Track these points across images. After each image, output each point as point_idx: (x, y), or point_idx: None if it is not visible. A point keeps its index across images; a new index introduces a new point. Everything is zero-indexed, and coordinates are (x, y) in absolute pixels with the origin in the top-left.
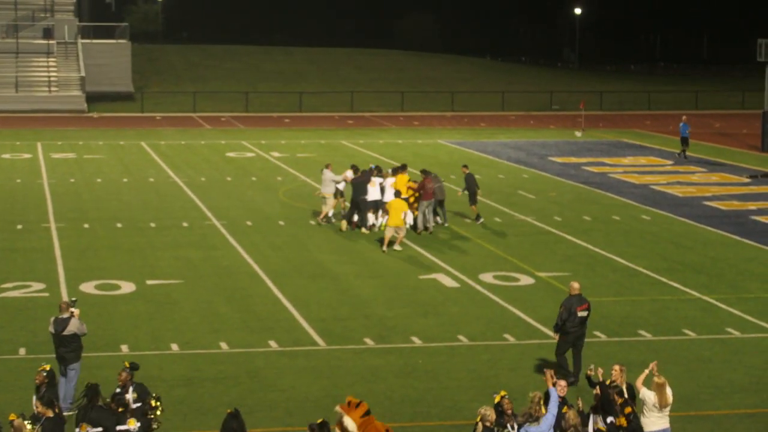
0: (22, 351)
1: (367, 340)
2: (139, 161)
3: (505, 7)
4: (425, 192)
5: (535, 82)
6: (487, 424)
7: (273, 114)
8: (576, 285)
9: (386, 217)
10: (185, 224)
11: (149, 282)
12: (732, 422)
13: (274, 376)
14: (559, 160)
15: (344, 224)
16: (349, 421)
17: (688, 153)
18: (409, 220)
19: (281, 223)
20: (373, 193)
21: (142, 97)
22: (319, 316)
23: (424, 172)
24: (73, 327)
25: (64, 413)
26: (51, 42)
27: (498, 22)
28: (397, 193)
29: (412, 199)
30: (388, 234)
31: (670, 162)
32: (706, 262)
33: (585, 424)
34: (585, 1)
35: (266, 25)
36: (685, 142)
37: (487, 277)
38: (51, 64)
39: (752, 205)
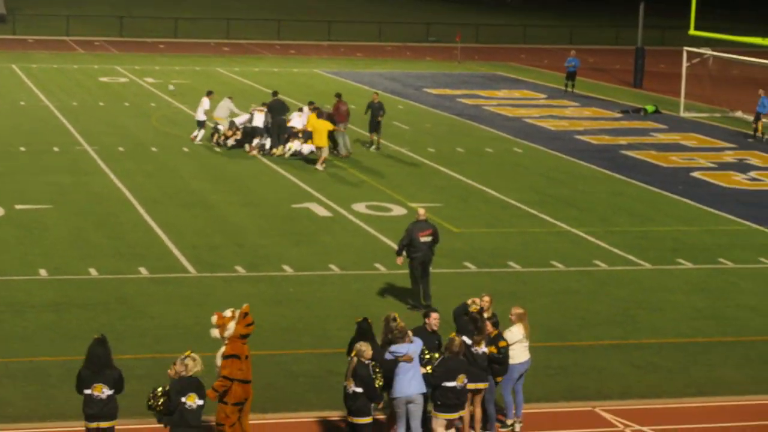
0: None
1: (239, 268)
2: (9, 84)
3: None
4: (339, 114)
5: (413, 13)
6: (363, 360)
7: (147, 39)
8: (421, 211)
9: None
10: (56, 149)
11: (18, 207)
12: (597, 353)
13: (144, 302)
14: (434, 91)
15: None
16: (231, 326)
17: (573, 89)
18: (305, 150)
19: (154, 149)
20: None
21: (14, 20)
22: (191, 244)
23: (337, 95)
24: None
25: None
26: None
27: None
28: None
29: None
30: (323, 154)
31: (544, 96)
32: (576, 196)
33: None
34: None
35: None
36: (571, 76)
37: (360, 207)
38: None
39: (623, 140)
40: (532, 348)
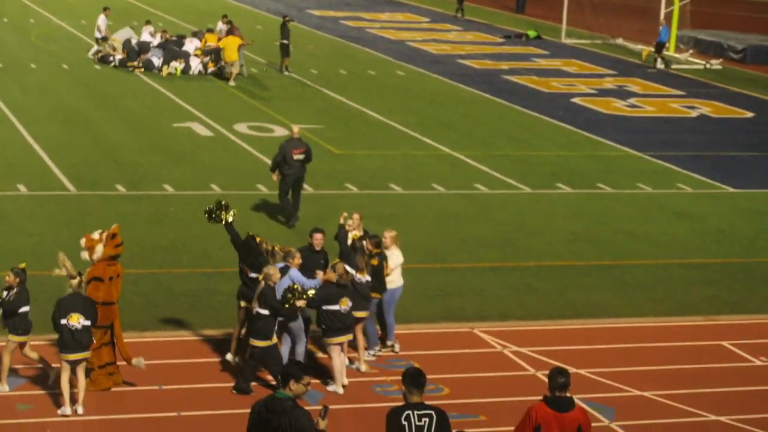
0: None
1: (119, 187)
2: None
3: None
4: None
5: None
6: (270, 283)
7: None
8: (295, 129)
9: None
10: None
11: None
12: (476, 275)
13: (22, 220)
14: (317, 13)
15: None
16: (99, 249)
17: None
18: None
19: (33, 66)
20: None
21: None
22: (70, 162)
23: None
24: None
25: None
26: None
27: None
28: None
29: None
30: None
31: (427, 19)
32: (458, 119)
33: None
34: None
35: None
36: (460, 1)
37: (242, 128)
38: None
39: (504, 65)
40: (414, 269)
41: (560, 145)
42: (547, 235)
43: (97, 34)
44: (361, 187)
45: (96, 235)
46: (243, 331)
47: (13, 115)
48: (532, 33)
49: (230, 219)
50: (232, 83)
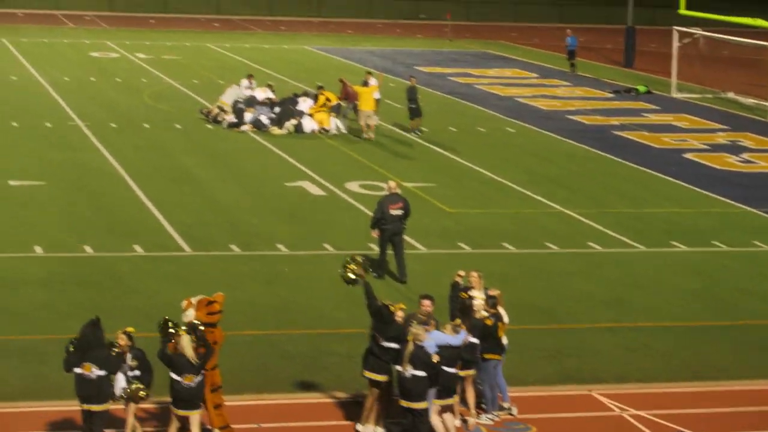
0: None
1: (233, 247)
2: (0, 59)
3: None
4: (350, 95)
5: None
6: (419, 342)
7: (138, 14)
8: (392, 184)
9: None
10: (48, 125)
11: (12, 183)
12: (591, 335)
13: (138, 280)
14: (425, 69)
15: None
16: (190, 313)
17: (576, 70)
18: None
19: (146, 125)
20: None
21: None
22: (184, 221)
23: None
24: None
25: None
26: None
27: None
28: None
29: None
30: (371, 122)
31: (536, 75)
32: (569, 176)
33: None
34: None
35: None
36: (572, 55)
37: (353, 186)
38: None
39: (614, 120)
40: (528, 330)
41: (674, 201)
42: (663, 294)
43: (246, 92)
44: (474, 245)
45: (194, 300)
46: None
47: (128, 175)
48: (642, 88)
49: (351, 276)
50: (370, 135)
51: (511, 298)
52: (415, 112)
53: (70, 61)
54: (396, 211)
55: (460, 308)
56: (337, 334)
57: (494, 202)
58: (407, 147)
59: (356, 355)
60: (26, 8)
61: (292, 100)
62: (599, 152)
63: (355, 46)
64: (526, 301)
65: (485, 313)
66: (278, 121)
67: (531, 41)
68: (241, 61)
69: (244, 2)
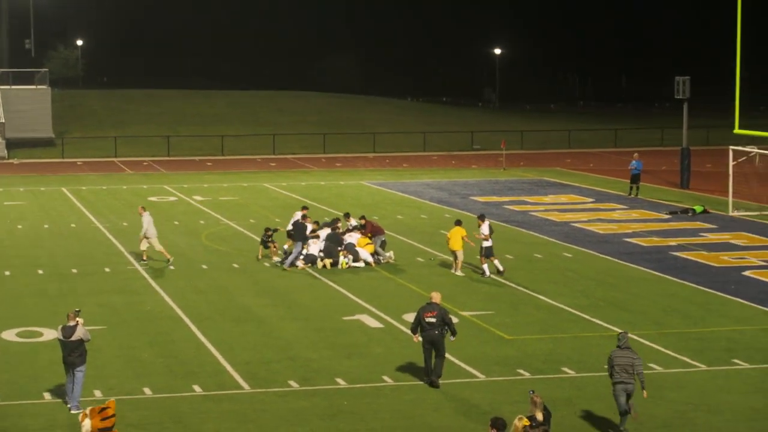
0: None
1: (292, 383)
2: (60, 207)
3: (425, 48)
4: (375, 228)
5: (456, 122)
6: None
7: (195, 158)
8: (434, 294)
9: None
10: (107, 269)
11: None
12: None
13: (198, 420)
14: (481, 199)
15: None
16: (87, 424)
17: (638, 194)
18: (366, 257)
19: (204, 266)
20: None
21: (63, 143)
22: (244, 360)
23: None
24: (79, 333)
25: (73, 412)
26: None
27: (419, 62)
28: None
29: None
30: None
31: (591, 199)
32: (628, 299)
33: None
34: (504, 41)
35: (186, 69)
36: (635, 179)
37: (411, 317)
38: None
39: (672, 241)
40: None
41: (735, 319)
42: (726, 413)
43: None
44: (534, 372)
45: (88, 410)
46: None
47: (186, 316)
48: (698, 208)
49: None
50: (458, 272)
51: (574, 422)
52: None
53: (128, 206)
54: (430, 319)
55: None
56: None
57: (553, 327)
58: (463, 276)
59: None
60: (85, 157)
61: (337, 236)
62: (658, 273)
63: (411, 179)
64: (588, 425)
65: None
66: (329, 254)
67: (586, 166)
68: (297, 198)
69: (299, 141)
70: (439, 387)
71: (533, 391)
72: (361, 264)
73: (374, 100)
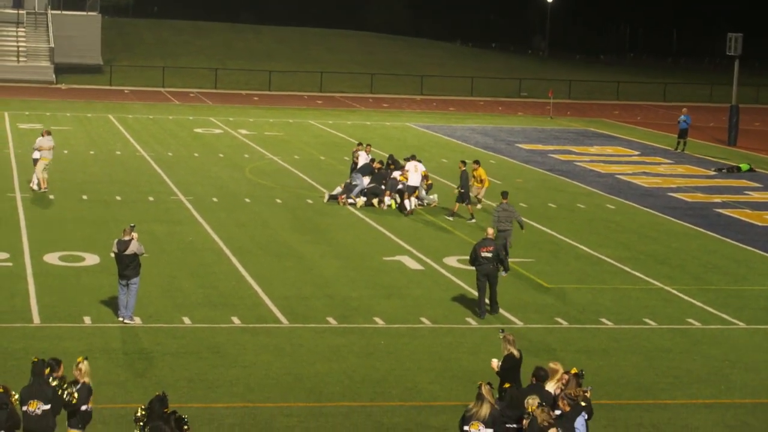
0: None
1: (330, 320)
2: (106, 134)
3: None
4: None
5: (505, 68)
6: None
7: (242, 92)
8: (489, 230)
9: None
10: (151, 199)
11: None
12: (689, 412)
13: (235, 352)
14: (526, 147)
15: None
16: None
17: (685, 149)
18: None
19: (247, 200)
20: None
21: (111, 71)
22: (283, 295)
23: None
24: (133, 248)
25: (126, 322)
26: (21, 12)
27: (469, 7)
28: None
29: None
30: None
31: (637, 152)
32: (669, 253)
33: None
34: None
35: (235, 3)
36: (683, 134)
37: (452, 261)
38: (20, 34)
39: (717, 198)
40: (626, 405)
41: None
42: (763, 371)
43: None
44: (571, 321)
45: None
46: None
47: (228, 248)
48: (744, 166)
49: None
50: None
51: (609, 373)
52: (462, 197)
53: (174, 136)
54: (486, 254)
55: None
56: (433, 407)
57: (593, 278)
58: None
59: (451, 428)
60: (132, 85)
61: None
62: (701, 229)
63: (458, 123)
64: (623, 377)
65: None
66: (376, 194)
67: (633, 119)
68: (342, 137)
69: (346, 80)
70: (499, 312)
71: (503, 330)
72: (411, 204)
73: (423, 43)
